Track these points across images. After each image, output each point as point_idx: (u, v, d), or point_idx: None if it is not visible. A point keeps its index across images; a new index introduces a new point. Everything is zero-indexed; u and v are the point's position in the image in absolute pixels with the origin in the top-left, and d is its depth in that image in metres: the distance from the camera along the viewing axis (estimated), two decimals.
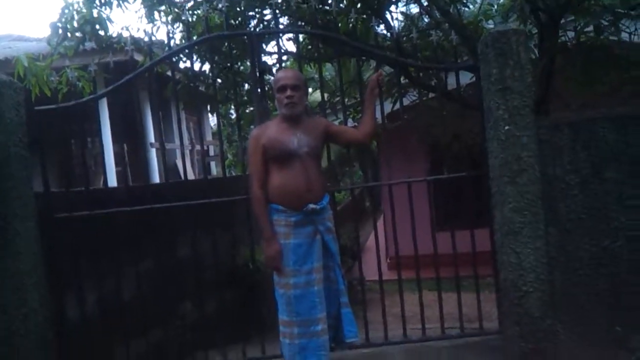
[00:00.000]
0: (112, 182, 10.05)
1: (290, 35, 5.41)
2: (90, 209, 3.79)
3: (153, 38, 6.24)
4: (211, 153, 15.85)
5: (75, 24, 5.36)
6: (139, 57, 6.88)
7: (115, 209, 3.79)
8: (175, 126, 12.20)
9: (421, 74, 5.49)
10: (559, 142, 3.38)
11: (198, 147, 14.57)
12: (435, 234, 3.87)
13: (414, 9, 7.06)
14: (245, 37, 4.13)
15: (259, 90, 3.81)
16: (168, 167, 12.40)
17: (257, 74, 3.76)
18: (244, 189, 3.63)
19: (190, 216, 3.88)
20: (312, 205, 3.19)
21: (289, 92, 3.21)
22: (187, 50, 4.22)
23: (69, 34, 5.37)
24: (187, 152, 13.33)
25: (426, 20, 6.59)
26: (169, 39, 4.17)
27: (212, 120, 16.72)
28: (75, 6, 5.46)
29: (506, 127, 3.34)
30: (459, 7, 5.70)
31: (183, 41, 5.99)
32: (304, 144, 3.23)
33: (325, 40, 4.62)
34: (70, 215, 3.75)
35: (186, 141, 13.28)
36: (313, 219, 3.21)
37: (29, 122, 3.60)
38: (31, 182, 3.59)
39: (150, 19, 6.33)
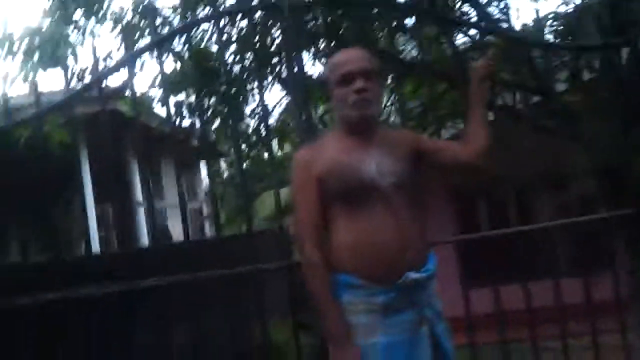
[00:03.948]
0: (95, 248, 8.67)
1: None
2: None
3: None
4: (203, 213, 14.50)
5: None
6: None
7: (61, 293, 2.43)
8: (165, 182, 10.94)
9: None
10: None
11: (191, 205, 13.29)
12: None
13: None
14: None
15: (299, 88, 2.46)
16: (158, 229, 11.03)
17: (295, 62, 2.42)
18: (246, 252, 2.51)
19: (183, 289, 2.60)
20: (412, 275, 1.83)
21: (359, 83, 1.90)
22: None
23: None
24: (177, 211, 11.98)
25: None
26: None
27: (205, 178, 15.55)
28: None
29: None
30: None
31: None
32: (387, 170, 1.90)
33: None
34: None
35: (176, 199, 11.92)
36: (415, 297, 1.86)
37: None
38: None
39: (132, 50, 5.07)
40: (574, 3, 3.74)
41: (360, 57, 1.98)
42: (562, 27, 3.62)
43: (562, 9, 3.87)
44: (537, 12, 2.60)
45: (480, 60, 2.24)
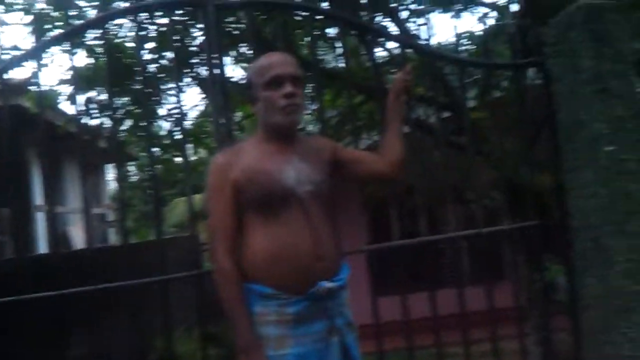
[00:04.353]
0: None
1: None
2: None
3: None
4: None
5: None
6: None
7: None
8: (67, 185, 10.35)
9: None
10: None
11: (95, 210, 12.64)
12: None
13: None
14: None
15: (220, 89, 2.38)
16: (57, 235, 10.39)
17: (216, 63, 2.34)
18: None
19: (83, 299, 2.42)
20: (326, 284, 1.82)
21: (289, 88, 1.87)
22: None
23: None
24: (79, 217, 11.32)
25: None
26: None
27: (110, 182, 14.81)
28: None
29: (608, 148, 2.19)
30: None
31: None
32: (305, 178, 1.88)
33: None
34: None
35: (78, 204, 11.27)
36: (326, 307, 1.84)
37: None
38: None
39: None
40: (487, 24, 3.93)
41: (290, 62, 1.94)
42: (475, 46, 3.81)
43: (477, 28, 4.08)
44: (455, 28, 2.72)
45: (398, 73, 2.29)
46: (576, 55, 2.23)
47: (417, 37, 3.67)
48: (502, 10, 4.22)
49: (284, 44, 2.59)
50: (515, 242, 3.52)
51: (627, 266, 2.19)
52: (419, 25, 3.88)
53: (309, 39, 3.48)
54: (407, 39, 3.13)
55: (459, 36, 3.02)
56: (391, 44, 3.62)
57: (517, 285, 3.58)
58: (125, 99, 4.68)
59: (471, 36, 4.02)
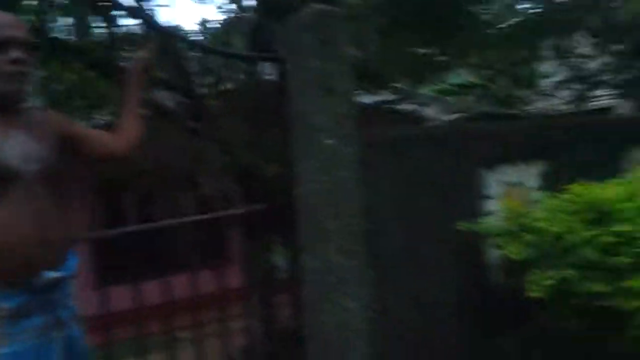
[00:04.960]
0: None
1: None
2: None
3: None
4: None
5: None
6: None
7: None
8: None
9: None
10: (377, 163, 2.70)
11: None
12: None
13: None
14: None
15: None
16: None
17: None
18: None
19: None
20: (50, 274, 1.67)
21: (17, 53, 1.66)
22: None
23: None
24: None
25: None
26: None
27: None
28: None
29: (329, 141, 2.47)
30: None
31: None
32: (30, 156, 1.70)
33: None
34: None
35: None
36: (49, 299, 1.69)
37: None
38: None
39: None
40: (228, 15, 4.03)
41: (18, 25, 1.72)
42: (213, 36, 3.87)
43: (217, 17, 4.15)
44: (199, 15, 2.74)
45: (139, 53, 2.20)
46: (305, 55, 2.45)
47: (156, 16, 3.57)
48: (238, 3, 4.37)
49: (2, 4, 2.25)
50: (243, 225, 3.70)
51: (341, 244, 2.51)
52: (159, 5, 3.77)
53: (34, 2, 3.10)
54: (147, 16, 3.03)
55: (203, 23, 3.05)
56: (129, 21, 3.47)
57: (244, 266, 3.78)
58: None
59: (209, 26, 4.08)
